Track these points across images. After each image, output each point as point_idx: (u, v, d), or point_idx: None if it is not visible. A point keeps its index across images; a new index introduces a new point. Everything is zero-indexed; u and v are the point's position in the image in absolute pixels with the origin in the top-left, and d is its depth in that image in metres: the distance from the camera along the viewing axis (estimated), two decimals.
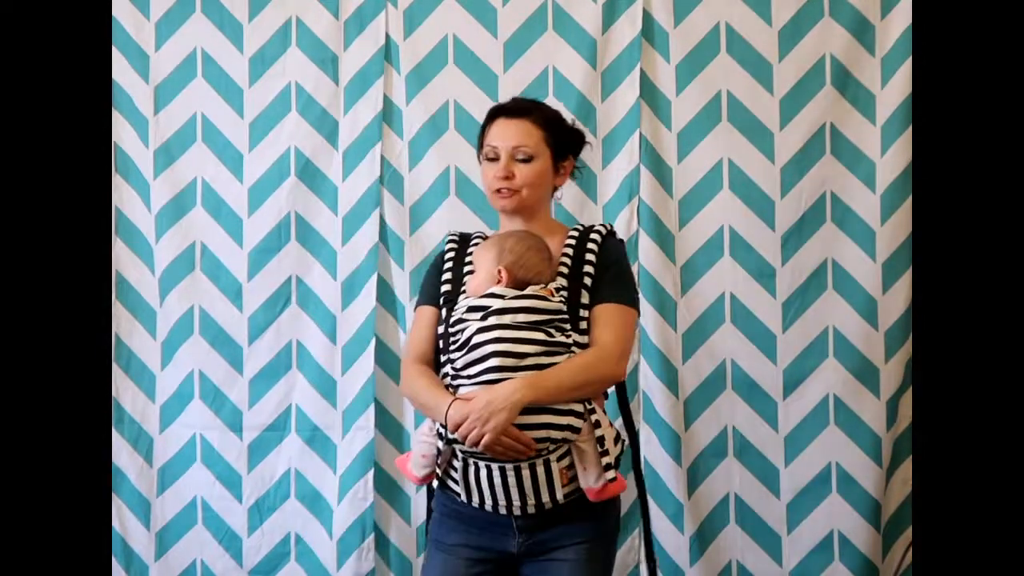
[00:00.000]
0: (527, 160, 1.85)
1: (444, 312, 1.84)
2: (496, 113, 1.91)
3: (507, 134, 1.86)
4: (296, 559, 2.75)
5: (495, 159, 1.87)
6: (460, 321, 1.76)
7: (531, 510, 1.77)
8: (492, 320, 1.73)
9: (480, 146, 1.93)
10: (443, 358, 1.81)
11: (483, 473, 1.75)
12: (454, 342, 1.76)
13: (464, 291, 1.83)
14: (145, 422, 2.78)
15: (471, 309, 1.76)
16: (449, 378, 1.78)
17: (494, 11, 2.71)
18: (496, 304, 1.75)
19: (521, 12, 2.70)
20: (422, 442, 1.81)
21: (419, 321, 1.89)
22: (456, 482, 1.79)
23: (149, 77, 2.76)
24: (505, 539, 1.80)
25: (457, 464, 1.77)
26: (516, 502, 1.76)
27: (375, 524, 2.70)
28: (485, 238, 1.92)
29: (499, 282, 1.78)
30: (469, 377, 1.73)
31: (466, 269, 1.87)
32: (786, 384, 2.68)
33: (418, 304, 1.92)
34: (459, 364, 1.74)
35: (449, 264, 1.90)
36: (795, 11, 2.67)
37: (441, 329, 1.82)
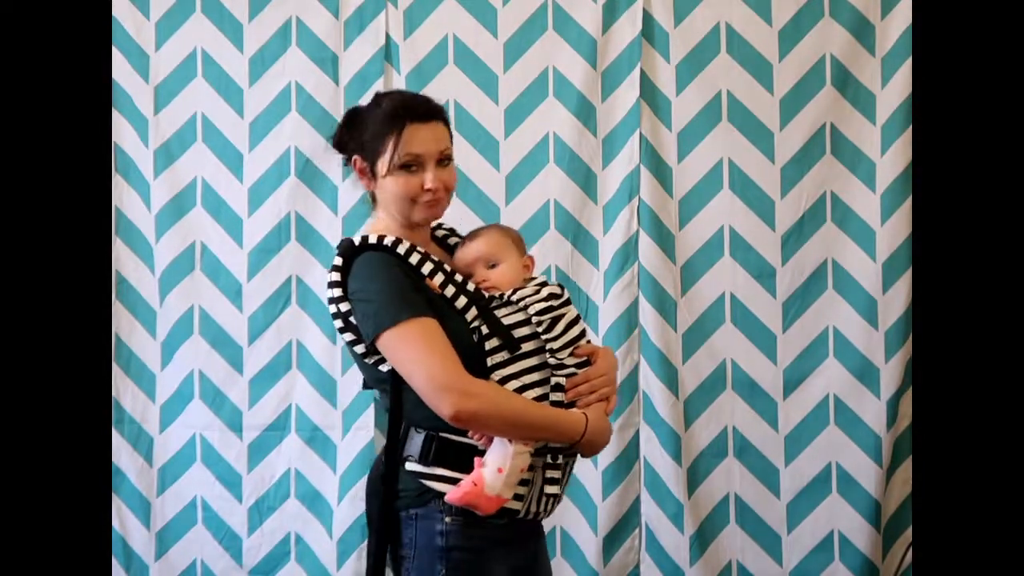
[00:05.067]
0: (447, 163, 1.68)
1: (475, 313, 1.62)
2: (405, 117, 1.65)
3: (427, 139, 1.65)
4: (296, 559, 2.75)
5: (415, 168, 1.64)
6: (549, 309, 1.64)
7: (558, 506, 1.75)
8: (572, 307, 1.71)
9: (377, 153, 1.67)
10: (495, 360, 1.61)
11: (571, 467, 1.70)
12: (546, 330, 1.62)
13: (474, 287, 1.67)
14: (145, 422, 2.78)
15: (552, 296, 1.67)
16: (537, 372, 1.62)
17: (494, 11, 2.71)
18: (566, 294, 1.71)
19: (521, 12, 2.70)
20: (521, 454, 1.58)
21: (437, 334, 1.57)
22: (516, 496, 1.61)
23: (149, 77, 2.76)
24: (528, 548, 1.71)
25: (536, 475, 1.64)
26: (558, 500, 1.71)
27: None
28: (400, 240, 1.65)
29: (527, 269, 1.74)
30: (575, 365, 1.66)
31: (448, 267, 1.66)
32: (786, 384, 2.68)
33: (412, 317, 1.56)
34: (559, 344, 1.64)
35: (430, 267, 1.63)
36: (795, 11, 2.67)
37: (486, 329, 1.61)
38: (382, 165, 1.65)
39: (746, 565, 2.69)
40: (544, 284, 1.69)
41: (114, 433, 2.75)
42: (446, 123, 1.71)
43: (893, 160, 2.65)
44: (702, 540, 2.68)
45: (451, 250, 1.79)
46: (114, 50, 2.73)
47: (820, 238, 2.68)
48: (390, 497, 1.64)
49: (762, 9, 2.68)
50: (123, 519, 2.78)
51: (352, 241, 1.64)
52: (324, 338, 2.72)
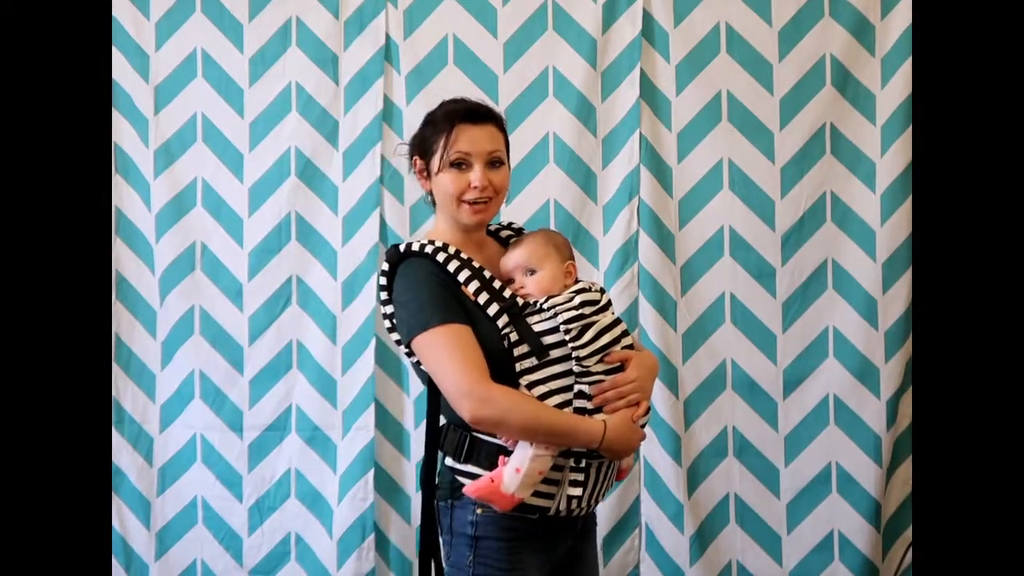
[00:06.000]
0: (498, 165, 1.74)
1: (506, 320, 1.66)
2: (456, 118, 1.73)
3: (477, 138, 1.72)
4: (296, 559, 2.75)
5: (464, 166, 1.72)
6: (580, 318, 1.67)
7: (598, 504, 1.78)
8: (611, 312, 1.74)
9: (432, 152, 1.74)
10: (523, 366, 1.66)
11: (603, 469, 1.71)
12: (573, 338, 1.65)
13: (510, 294, 1.71)
14: (145, 422, 2.78)
15: (586, 304, 1.69)
16: (563, 378, 1.67)
17: (494, 11, 2.71)
18: (605, 299, 1.75)
19: (521, 12, 2.70)
20: (539, 457, 1.63)
21: (465, 340, 1.63)
22: (543, 495, 1.67)
23: (149, 77, 2.76)
24: (564, 544, 1.76)
25: (562, 475, 1.67)
26: (599, 497, 1.74)
27: (375, 524, 2.70)
28: (443, 247, 1.71)
29: (569, 276, 1.77)
30: (606, 371, 1.69)
31: (487, 274, 1.71)
32: (786, 384, 2.68)
33: (442, 323, 1.63)
34: (585, 352, 1.66)
35: (467, 275, 1.69)
36: (795, 11, 2.67)
37: (515, 336, 1.66)
38: (435, 163, 1.74)
39: (746, 565, 2.69)
40: (582, 291, 1.71)
41: (114, 433, 2.75)
42: (500, 128, 1.78)
43: (893, 160, 2.65)
44: (702, 540, 2.69)
45: None
46: (114, 50, 2.73)
47: (820, 238, 2.68)
48: (430, 488, 1.75)
49: (762, 9, 2.68)
50: (123, 519, 2.78)
51: (398, 248, 1.73)
52: (324, 338, 2.72)
